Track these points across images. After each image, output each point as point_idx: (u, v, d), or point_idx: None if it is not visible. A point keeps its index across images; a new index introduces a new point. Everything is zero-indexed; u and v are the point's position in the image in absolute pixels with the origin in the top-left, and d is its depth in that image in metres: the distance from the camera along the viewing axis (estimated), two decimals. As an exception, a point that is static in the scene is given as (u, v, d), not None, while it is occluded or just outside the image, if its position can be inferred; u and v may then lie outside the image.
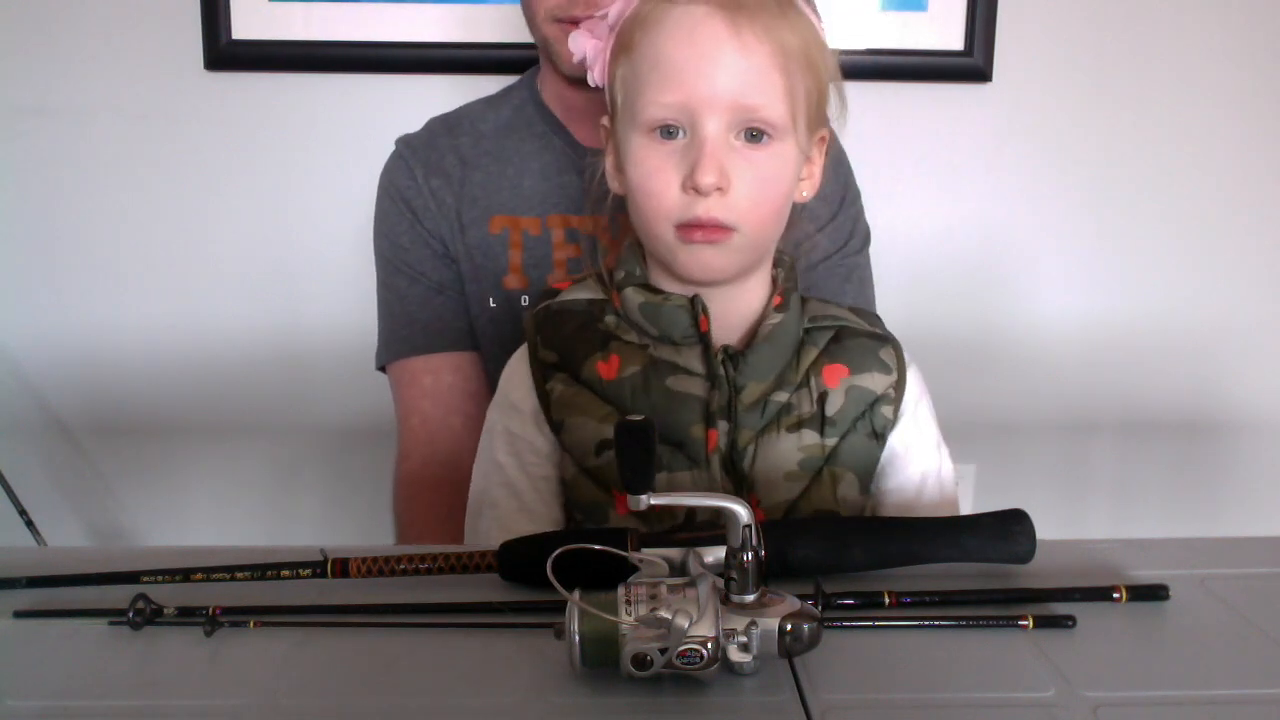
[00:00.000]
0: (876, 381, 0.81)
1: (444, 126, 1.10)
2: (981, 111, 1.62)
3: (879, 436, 0.81)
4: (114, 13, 1.57)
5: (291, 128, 1.61)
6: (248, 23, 1.56)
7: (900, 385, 0.82)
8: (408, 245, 1.08)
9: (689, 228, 0.73)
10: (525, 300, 1.06)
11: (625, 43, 0.76)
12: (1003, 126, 1.63)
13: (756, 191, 0.74)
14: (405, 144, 1.10)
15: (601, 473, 0.79)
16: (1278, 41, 1.61)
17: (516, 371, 0.84)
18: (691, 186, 0.72)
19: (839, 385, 0.79)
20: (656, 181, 0.74)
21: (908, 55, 1.57)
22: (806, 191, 0.81)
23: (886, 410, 0.81)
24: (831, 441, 0.79)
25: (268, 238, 1.64)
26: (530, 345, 0.83)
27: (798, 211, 0.83)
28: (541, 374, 0.81)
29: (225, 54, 1.57)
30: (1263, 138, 1.64)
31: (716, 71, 0.71)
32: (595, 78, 0.81)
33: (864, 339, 0.83)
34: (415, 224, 1.07)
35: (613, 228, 1.04)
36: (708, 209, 0.72)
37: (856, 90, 1.63)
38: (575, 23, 0.96)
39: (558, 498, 0.83)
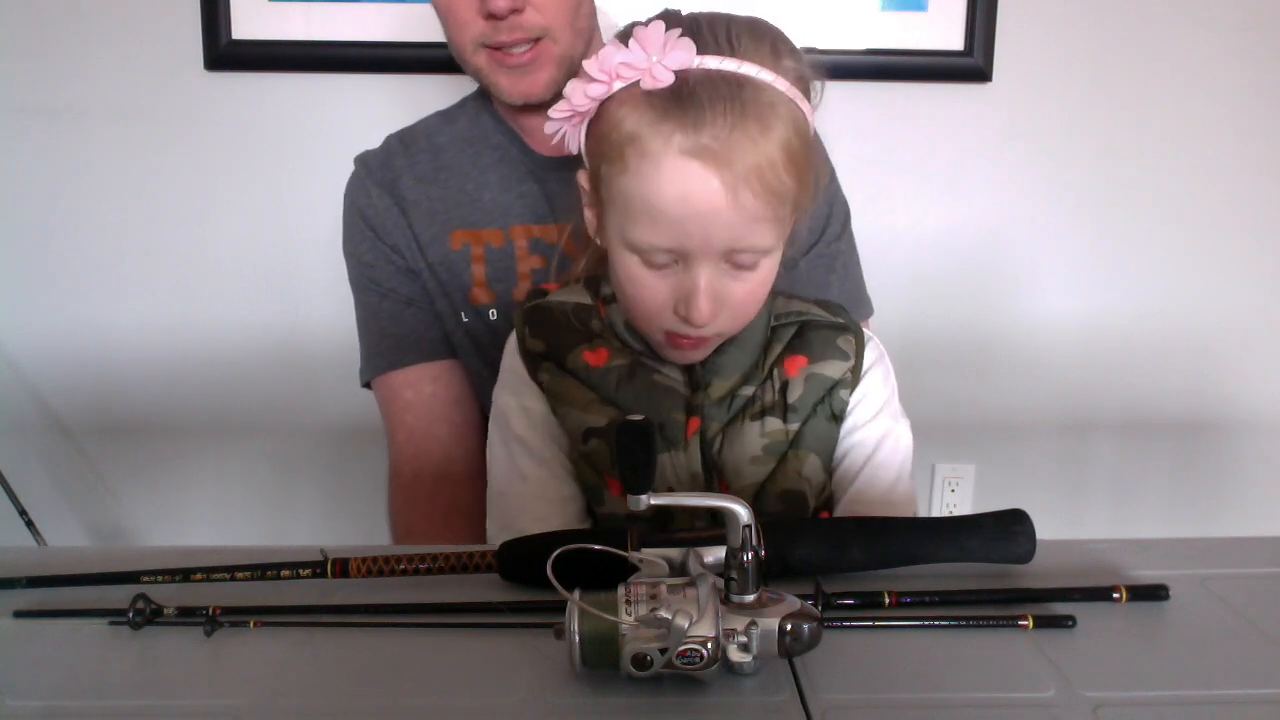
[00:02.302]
0: (835, 368, 0.83)
1: (400, 144, 1.10)
2: (981, 111, 1.62)
3: (838, 419, 0.84)
4: (114, 13, 1.57)
5: (291, 128, 1.61)
6: (248, 23, 1.56)
7: (857, 369, 0.84)
8: (372, 262, 1.08)
9: (677, 337, 0.77)
10: (494, 314, 1.06)
11: (615, 152, 0.73)
12: (1003, 126, 1.63)
13: (744, 305, 0.77)
14: (363, 163, 1.10)
15: (591, 459, 0.82)
16: (1278, 41, 1.61)
17: (512, 358, 0.87)
18: (684, 317, 0.74)
19: (799, 374, 0.83)
20: (648, 301, 0.76)
21: (908, 55, 1.57)
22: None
23: (845, 394, 0.84)
24: (794, 426, 0.82)
25: (268, 238, 1.64)
26: (519, 335, 0.86)
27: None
28: (532, 363, 0.84)
29: (225, 54, 1.57)
30: (1263, 138, 1.64)
31: (711, 227, 0.71)
32: (570, 147, 0.80)
33: (825, 330, 0.85)
34: (377, 241, 1.08)
35: (576, 238, 1.04)
36: (698, 331, 0.75)
37: (856, 90, 1.64)
38: (499, 48, 0.96)
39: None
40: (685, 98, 0.70)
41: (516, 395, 0.86)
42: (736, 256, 0.73)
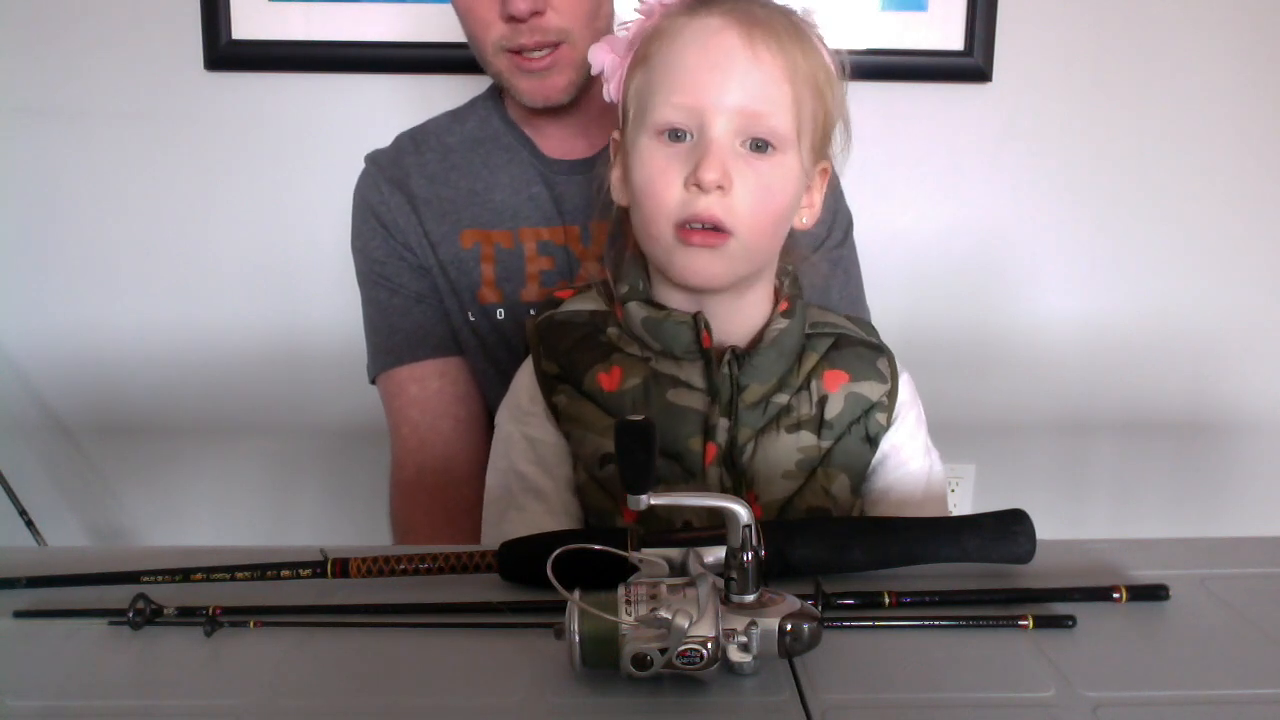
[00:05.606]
0: (873, 389, 0.83)
1: (411, 143, 1.10)
2: (981, 111, 1.62)
3: (871, 441, 0.83)
4: (114, 13, 1.57)
5: (291, 128, 1.61)
6: (248, 23, 1.56)
7: (893, 394, 0.84)
8: (383, 258, 1.09)
9: (688, 229, 0.74)
10: (501, 314, 1.06)
11: (642, 55, 0.78)
12: (1003, 126, 1.63)
13: (756, 196, 0.75)
14: (373, 161, 1.11)
15: (606, 483, 0.81)
16: (1277, 41, 1.61)
17: (525, 381, 0.85)
18: (694, 183, 0.73)
19: (839, 390, 0.82)
20: (660, 181, 0.75)
21: (908, 55, 1.57)
22: (806, 219, 0.83)
23: (880, 417, 0.83)
24: (827, 443, 0.81)
25: (268, 238, 1.64)
26: (534, 357, 0.85)
27: (794, 237, 0.84)
28: (546, 386, 0.83)
29: (225, 54, 1.57)
30: (1263, 138, 1.64)
31: (727, 78, 0.73)
32: (610, 92, 0.83)
33: (862, 348, 0.85)
34: (388, 238, 1.08)
35: (584, 238, 1.04)
36: (708, 206, 0.73)
37: (856, 90, 1.64)
38: (520, 52, 0.97)
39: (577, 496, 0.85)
40: None
41: (521, 425, 0.84)
42: (751, 130, 0.74)
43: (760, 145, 0.74)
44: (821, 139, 0.79)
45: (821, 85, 0.77)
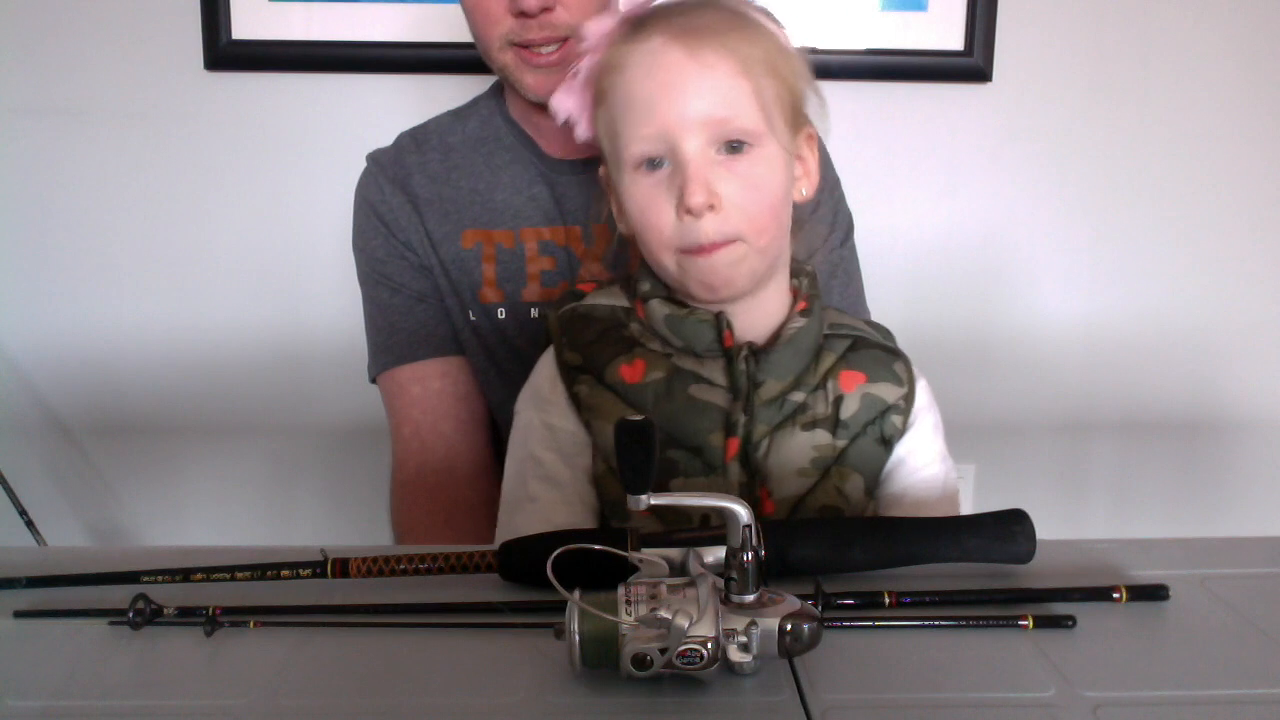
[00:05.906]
0: (889, 392, 0.83)
1: (412, 142, 1.10)
2: (981, 111, 1.62)
3: (886, 443, 0.83)
4: (114, 13, 1.57)
5: (291, 128, 1.61)
6: (248, 23, 1.56)
7: (910, 398, 0.84)
8: (384, 258, 1.09)
9: (691, 252, 0.75)
10: (502, 314, 1.06)
11: (600, 92, 0.79)
12: (1003, 126, 1.63)
13: (747, 200, 0.75)
14: (374, 160, 1.11)
15: None
16: (1278, 41, 1.61)
17: (547, 370, 0.86)
18: (684, 210, 0.73)
19: (855, 391, 0.82)
20: (651, 214, 0.76)
21: (908, 55, 1.57)
22: (806, 189, 0.83)
23: (896, 419, 0.83)
24: (842, 443, 0.81)
25: (268, 238, 1.64)
26: (556, 346, 0.85)
27: (802, 211, 0.84)
28: (568, 375, 0.83)
29: (225, 54, 1.57)
30: (1263, 138, 1.64)
31: (683, 96, 0.73)
32: (582, 133, 0.83)
33: (879, 351, 0.85)
34: (389, 237, 1.08)
35: (585, 238, 1.04)
36: (705, 232, 0.74)
37: (856, 90, 1.64)
38: (528, 47, 0.97)
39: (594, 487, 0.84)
40: (659, 11, 0.76)
41: (541, 412, 0.84)
42: (722, 137, 0.74)
43: (735, 146, 0.75)
44: (794, 113, 0.79)
45: (778, 64, 0.76)
